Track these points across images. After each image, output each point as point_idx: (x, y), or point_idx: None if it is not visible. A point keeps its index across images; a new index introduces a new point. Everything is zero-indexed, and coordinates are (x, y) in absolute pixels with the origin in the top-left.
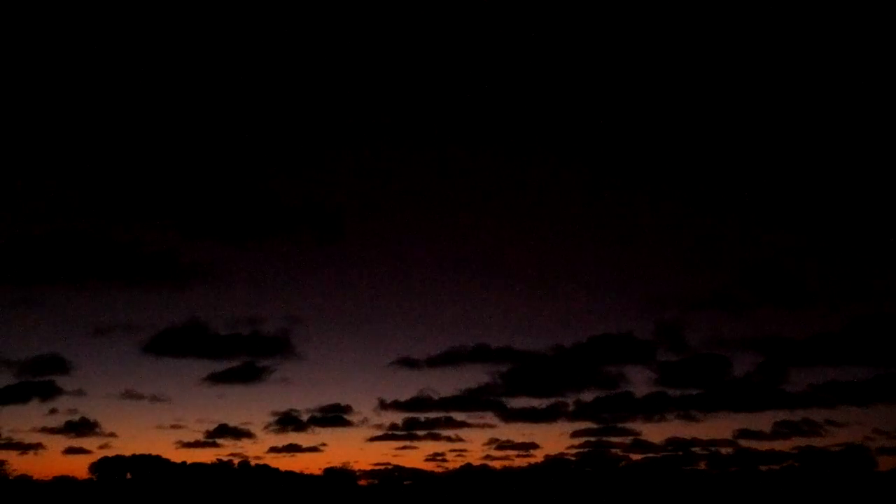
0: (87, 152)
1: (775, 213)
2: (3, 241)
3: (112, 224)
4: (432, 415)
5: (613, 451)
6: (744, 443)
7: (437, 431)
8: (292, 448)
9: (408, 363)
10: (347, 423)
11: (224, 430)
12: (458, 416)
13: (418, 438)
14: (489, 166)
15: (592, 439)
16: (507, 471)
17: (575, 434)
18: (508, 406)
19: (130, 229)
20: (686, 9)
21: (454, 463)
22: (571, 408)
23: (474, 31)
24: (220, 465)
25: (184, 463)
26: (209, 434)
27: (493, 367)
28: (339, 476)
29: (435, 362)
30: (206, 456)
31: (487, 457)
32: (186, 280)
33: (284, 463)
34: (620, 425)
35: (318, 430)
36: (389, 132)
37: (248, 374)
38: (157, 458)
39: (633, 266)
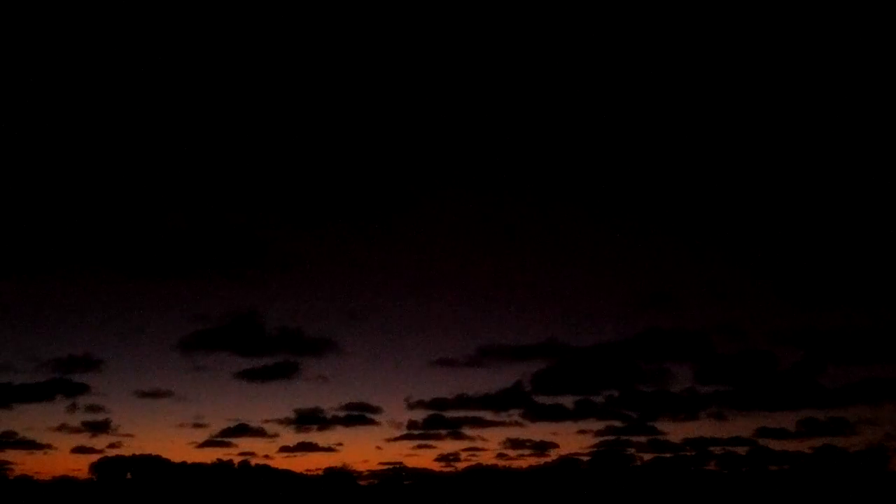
0: (135, 139)
1: (827, 209)
2: (47, 233)
3: (169, 212)
4: (461, 414)
5: (629, 450)
6: (763, 442)
7: (461, 431)
8: (305, 447)
9: (448, 362)
10: (372, 423)
11: (244, 430)
12: (488, 416)
13: (439, 438)
14: (541, 165)
15: (612, 438)
16: (507, 470)
17: (599, 433)
18: (541, 405)
19: (192, 219)
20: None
21: (465, 463)
22: (605, 406)
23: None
24: (220, 466)
25: (183, 463)
26: (227, 433)
27: (535, 365)
28: (338, 476)
29: (475, 361)
30: (215, 455)
31: (500, 456)
32: (244, 272)
33: (291, 463)
34: (650, 424)
35: (340, 429)
36: (445, 139)
37: (284, 371)
38: (157, 458)
39: (684, 262)
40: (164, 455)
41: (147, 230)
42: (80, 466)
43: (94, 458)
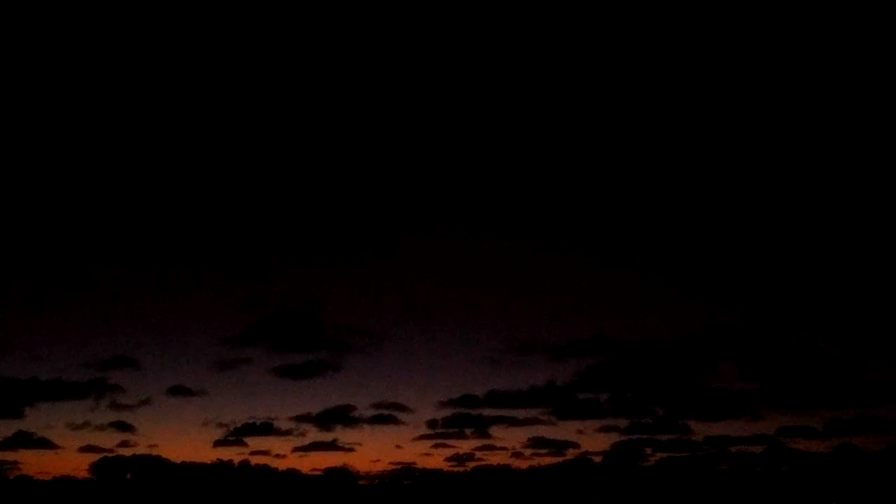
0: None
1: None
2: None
3: (229, 208)
4: (493, 413)
5: (646, 450)
6: (789, 442)
7: (487, 430)
8: (319, 447)
9: (493, 362)
10: (397, 422)
11: (267, 428)
12: (520, 415)
13: (461, 437)
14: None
15: (634, 437)
16: (510, 470)
17: (624, 432)
18: (575, 403)
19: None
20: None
21: (476, 463)
22: (638, 404)
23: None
24: (220, 466)
25: (184, 463)
26: (247, 432)
27: (581, 363)
28: (338, 476)
29: (520, 361)
30: (226, 455)
31: (516, 456)
32: (304, 268)
33: (299, 462)
34: (682, 422)
35: (366, 427)
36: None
37: (322, 368)
38: (158, 458)
39: (741, 260)
40: (169, 455)
41: (206, 226)
42: (85, 466)
43: (103, 458)
